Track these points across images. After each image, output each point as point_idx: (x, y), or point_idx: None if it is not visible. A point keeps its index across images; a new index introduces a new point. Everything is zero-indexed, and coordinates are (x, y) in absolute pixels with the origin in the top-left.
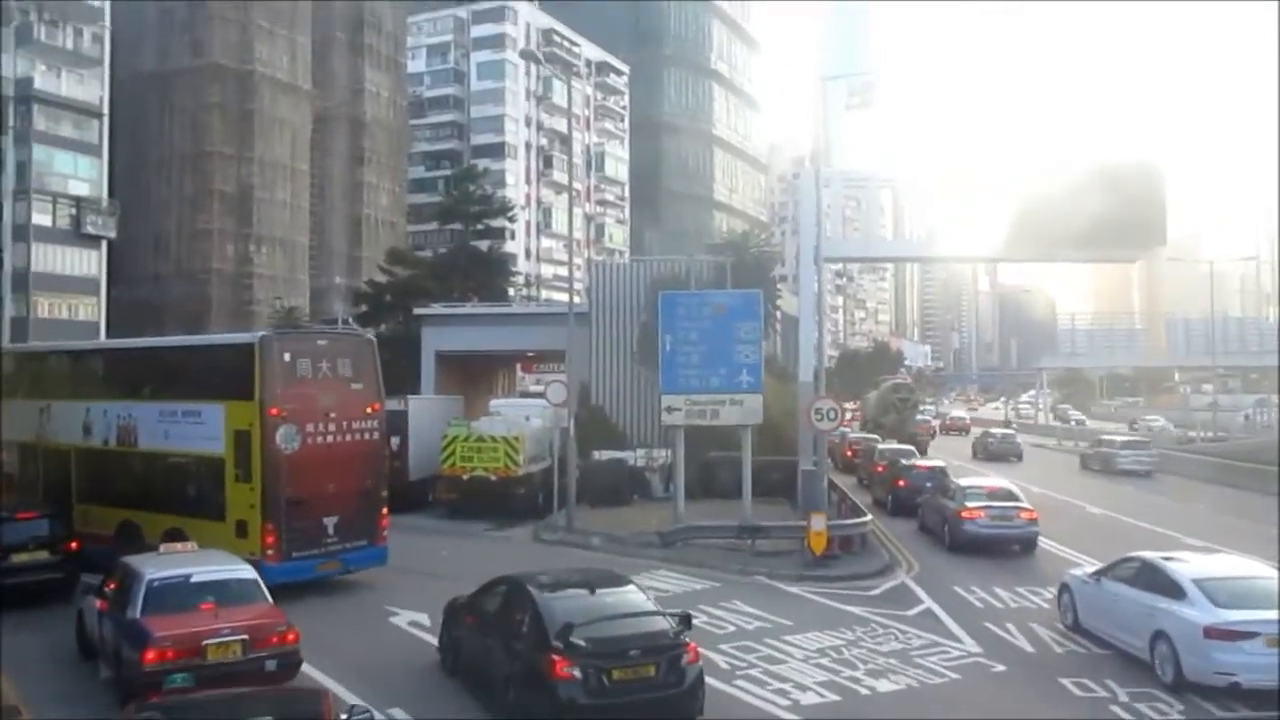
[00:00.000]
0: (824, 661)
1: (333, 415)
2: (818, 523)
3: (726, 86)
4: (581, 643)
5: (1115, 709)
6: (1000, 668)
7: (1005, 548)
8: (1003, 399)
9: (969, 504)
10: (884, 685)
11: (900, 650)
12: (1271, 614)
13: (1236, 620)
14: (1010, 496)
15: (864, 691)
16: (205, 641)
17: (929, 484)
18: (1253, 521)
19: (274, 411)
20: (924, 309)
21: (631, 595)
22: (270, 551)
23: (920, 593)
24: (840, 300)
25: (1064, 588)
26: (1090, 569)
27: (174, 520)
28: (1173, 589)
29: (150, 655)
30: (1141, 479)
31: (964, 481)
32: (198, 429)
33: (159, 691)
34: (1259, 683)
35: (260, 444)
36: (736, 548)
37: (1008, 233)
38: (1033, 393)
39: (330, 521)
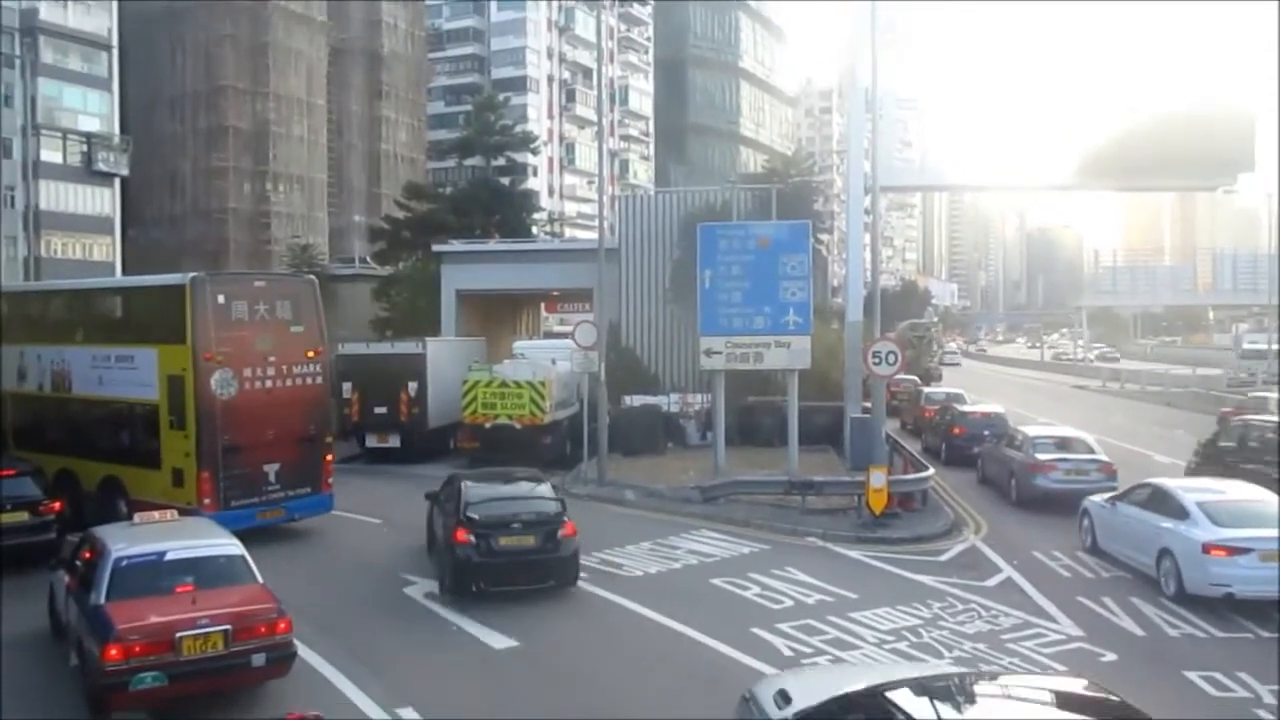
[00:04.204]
0: (901, 646)
1: (271, 359)
2: (877, 478)
3: (753, 17)
4: (476, 516)
5: (1261, 713)
6: (1110, 656)
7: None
8: (1022, 339)
9: (1039, 456)
10: None
11: (988, 632)
12: (1266, 531)
13: (1232, 537)
14: (1085, 448)
15: None
16: (179, 634)
17: (987, 431)
18: None
19: (208, 356)
20: (951, 247)
21: (535, 488)
22: (207, 500)
23: (996, 558)
24: (867, 238)
25: (1084, 512)
26: (1108, 495)
27: (110, 469)
28: (1178, 510)
29: (113, 652)
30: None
31: (1031, 431)
32: (131, 374)
33: (125, 695)
34: (1253, 593)
35: (194, 389)
36: (785, 504)
37: (1079, 161)
38: (1064, 331)
39: (271, 469)
